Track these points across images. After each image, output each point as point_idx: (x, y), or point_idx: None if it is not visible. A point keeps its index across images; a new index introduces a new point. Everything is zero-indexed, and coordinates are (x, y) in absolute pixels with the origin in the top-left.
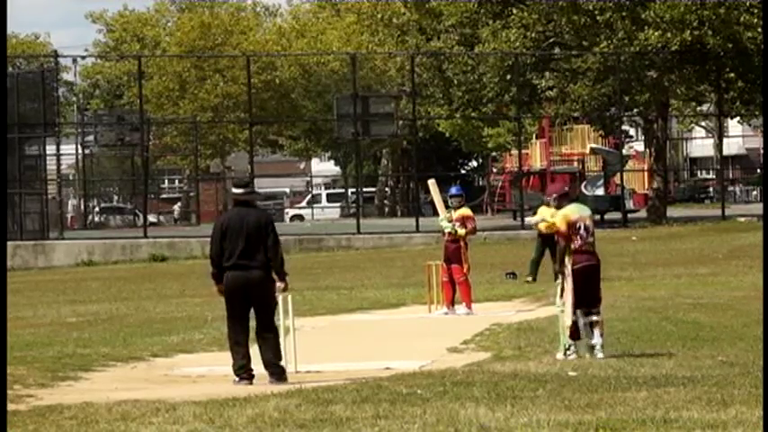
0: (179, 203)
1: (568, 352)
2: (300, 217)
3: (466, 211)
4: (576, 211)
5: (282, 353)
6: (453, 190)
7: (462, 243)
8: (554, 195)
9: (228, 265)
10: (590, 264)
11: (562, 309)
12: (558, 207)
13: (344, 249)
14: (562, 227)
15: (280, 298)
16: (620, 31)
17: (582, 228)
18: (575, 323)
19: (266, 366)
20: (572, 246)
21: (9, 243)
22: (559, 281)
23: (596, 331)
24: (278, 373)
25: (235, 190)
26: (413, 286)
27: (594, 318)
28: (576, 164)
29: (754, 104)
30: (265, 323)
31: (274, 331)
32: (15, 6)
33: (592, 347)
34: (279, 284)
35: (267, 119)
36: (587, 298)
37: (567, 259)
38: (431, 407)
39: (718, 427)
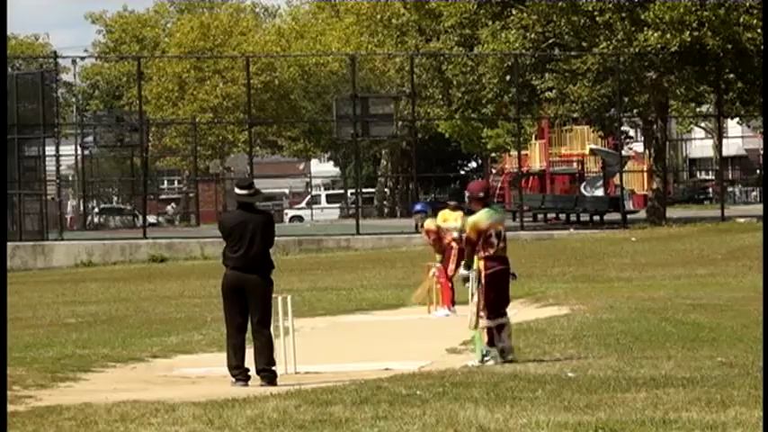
0: (172, 204)
1: (486, 358)
2: (300, 218)
3: (427, 224)
4: (486, 219)
5: (275, 356)
6: (418, 206)
7: (450, 246)
8: (471, 195)
9: (229, 265)
10: (501, 268)
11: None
12: (473, 207)
13: (344, 250)
14: (472, 235)
15: (279, 299)
16: (619, 31)
17: (493, 235)
18: (490, 329)
19: (258, 371)
20: (483, 253)
21: (8, 244)
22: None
23: (503, 334)
24: (269, 378)
25: (238, 191)
26: (412, 287)
27: (501, 320)
28: (575, 165)
29: (753, 105)
30: (261, 324)
31: (269, 334)
32: (15, 7)
33: (502, 351)
34: None
35: (266, 120)
36: (499, 302)
37: (478, 264)
38: (430, 408)
39: (718, 428)
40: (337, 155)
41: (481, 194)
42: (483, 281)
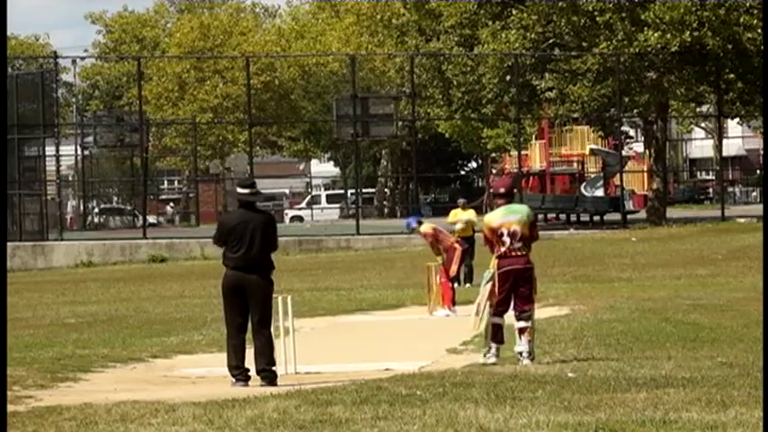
0: (171, 204)
1: (488, 354)
2: (300, 218)
3: (423, 228)
4: (499, 217)
5: (276, 357)
6: (408, 220)
7: (453, 246)
8: (493, 192)
9: (229, 265)
10: (513, 268)
11: (488, 311)
12: (496, 205)
13: (344, 250)
14: (486, 233)
15: (279, 299)
16: (619, 32)
17: (505, 234)
18: (497, 326)
19: (258, 371)
20: (496, 251)
21: (8, 244)
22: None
23: (523, 338)
24: (269, 378)
25: (240, 190)
26: (412, 287)
27: (522, 324)
28: (575, 165)
29: (753, 105)
30: (261, 324)
31: (269, 335)
32: (15, 7)
33: (520, 354)
34: None
35: (266, 120)
36: (514, 301)
37: (492, 262)
38: (430, 408)
39: (718, 428)
40: (337, 155)
41: (501, 190)
42: (496, 278)
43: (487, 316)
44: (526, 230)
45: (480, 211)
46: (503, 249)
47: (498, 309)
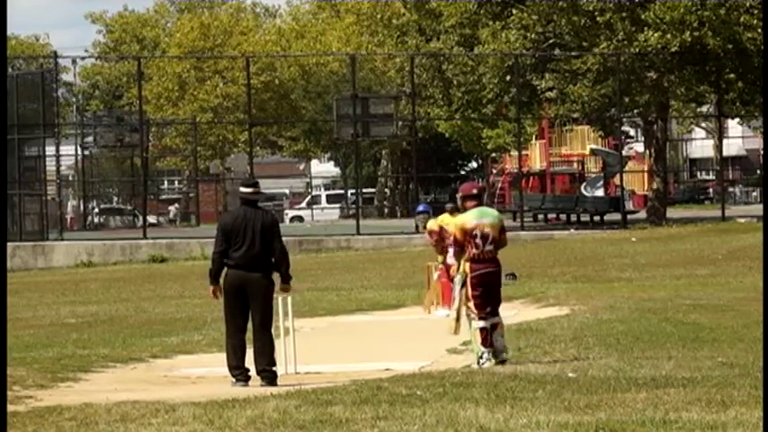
0: (175, 204)
1: (482, 360)
2: (300, 218)
3: (430, 225)
4: (474, 218)
5: (276, 357)
6: (421, 207)
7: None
8: (463, 194)
9: (231, 264)
10: (487, 271)
11: (469, 315)
12: (463, 208)
13: (344, 250)
14: (457, 234)
15: (279, 299)
16: (619, 32)
17: (478, 236)
18: (484, 331)
19: (259, 371)
20: (468, 254)
21: (8, 244)
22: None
23: (495, 334)
24: (270, 378)
25: (243, 189)
26: (412, 287)
27: (493, 320)
28: (575, 165)
29: (753, 105)
30: (262, 324)
31: (270, 335)
32: (15, 7)
33: (494, 351)
34: (282, 286)
35: (267, 120)
36: (489, 304)
37: (464, 266)
38: (430, 408)
39: (718, 428)
40: (337, 155)
41: (474, 191)
42: (469, 283)
43: (470, 321)
44: (497, 234)
45: None
46: (475, 252)
47: (481, 314)
